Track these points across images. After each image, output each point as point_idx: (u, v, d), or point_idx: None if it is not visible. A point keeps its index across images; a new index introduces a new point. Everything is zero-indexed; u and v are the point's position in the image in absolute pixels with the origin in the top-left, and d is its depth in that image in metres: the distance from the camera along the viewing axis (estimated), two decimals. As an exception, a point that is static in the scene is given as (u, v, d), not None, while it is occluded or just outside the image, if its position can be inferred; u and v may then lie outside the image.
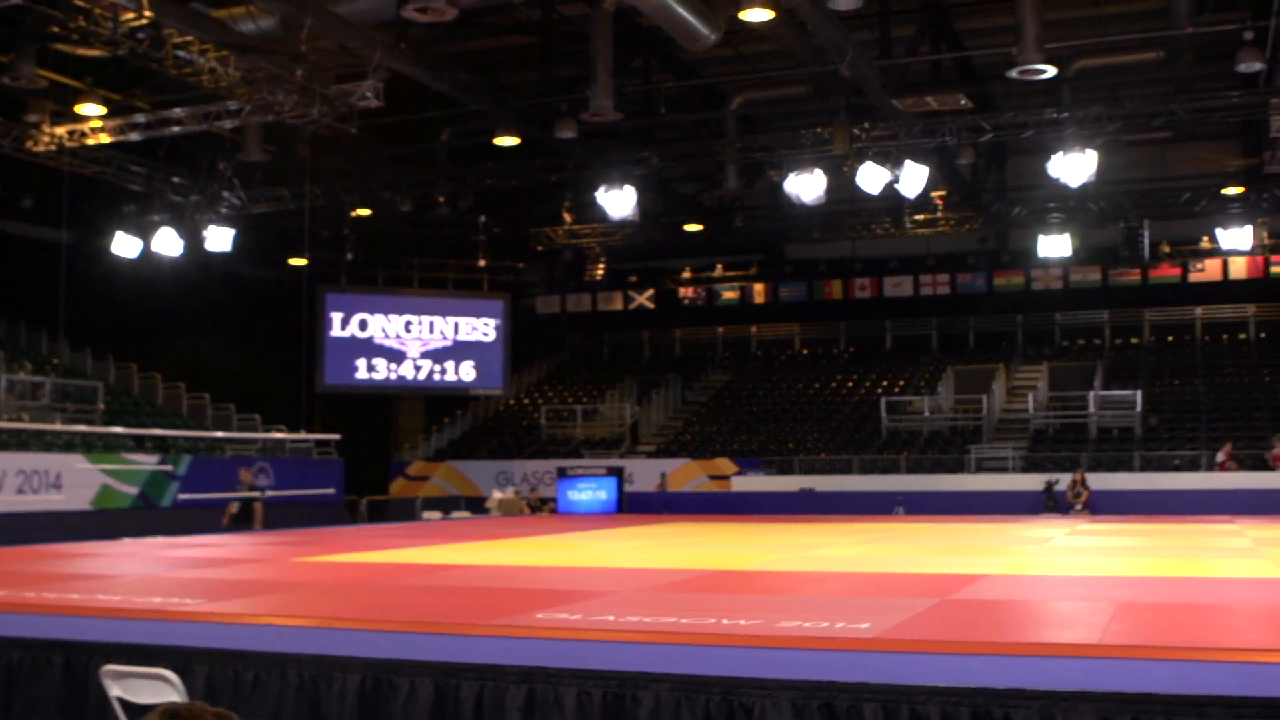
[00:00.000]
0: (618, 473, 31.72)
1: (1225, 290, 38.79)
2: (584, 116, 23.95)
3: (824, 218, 33.89)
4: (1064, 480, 29.68)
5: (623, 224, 31.51)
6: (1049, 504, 29.35)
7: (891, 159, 25.89)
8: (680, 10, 19.30)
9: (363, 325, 36.46)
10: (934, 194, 31.81)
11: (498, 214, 35.45)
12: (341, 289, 36.26)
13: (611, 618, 9.07)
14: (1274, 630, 8.94)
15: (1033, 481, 30.52)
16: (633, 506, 31.52)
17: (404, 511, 32.43)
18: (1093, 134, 25.55)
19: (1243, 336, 39.48)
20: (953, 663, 7.25)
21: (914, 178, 25.91)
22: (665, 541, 19.52)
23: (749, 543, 18.91)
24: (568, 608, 9.69)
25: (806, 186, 26.35)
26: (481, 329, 37.74)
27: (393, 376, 36.90)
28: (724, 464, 34.77)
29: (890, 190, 26.47)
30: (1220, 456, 30.28)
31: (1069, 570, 13.97)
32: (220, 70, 20.94)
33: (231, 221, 29.84)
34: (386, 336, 36.66)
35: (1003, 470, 32.59)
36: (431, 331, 37.18)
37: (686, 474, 34.93)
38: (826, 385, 40.15)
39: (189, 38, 20.05)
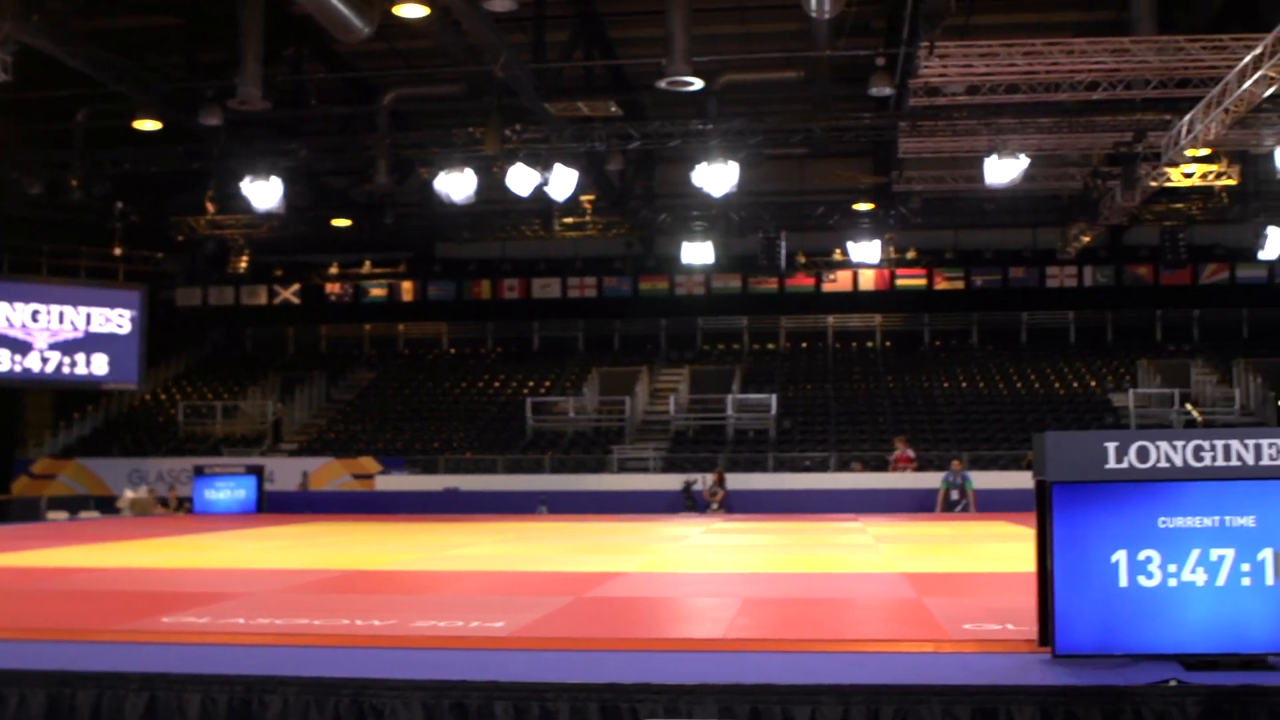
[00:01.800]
0: (257, 471, 30.82)
1: (855, 300, 40.95)
2: (230, 104, 23.17)
3: (474, 217, 33.92)
4: (702, 480, 30.58)
5: (268, 216, 30.62)
6: (687, 503, 30.18)
7: (542, 162, 26.13)
8: (334, 0, 18.93)
9: (-16, 313, 34.28)
10: (583, 198, 32.24)
11: (136, 201, 33.88)
12: (-39, 274, 33.99)
13: (241, 620, 8.84)
14: (885, 621, 9.46)
15: (672, 481, 31.32)
16: (273, 506, 30.71)
17: (27, 512, 30.57)
18: (736, 146, 26.42)
19: (870, 345, 41.67)
20: (583, 659, 7.37)
21: (563, 181, 26.23)
22: (304, 542, 19.14)
23: (390, 542, 18.73)
24: (196, 611, 9.39)
25: (457, 185, 26.29)
26: (116, 320, 35.99)
27: (17, 368, 34.77)
28: (368, 463, 34.33)
29: (540, 193, 26.71)
30: (895, 456, 31.77)
31: (701, 567, 14.39)
32: None
33: None
34: (11, 326, 34.52)
35: (644, 470, 33.34)
36: (61, 322, 35.22)
37: (329, 473, 34.33)
38: (473, 385, 40.19)
39: None
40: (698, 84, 22.13)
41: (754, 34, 27.27)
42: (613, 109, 26.58)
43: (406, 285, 42.25)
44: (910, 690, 6.42)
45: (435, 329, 43.36)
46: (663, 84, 21.87)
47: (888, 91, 24.12)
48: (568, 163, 26.32)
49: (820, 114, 27.09)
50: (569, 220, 34.23)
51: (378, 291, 42.33)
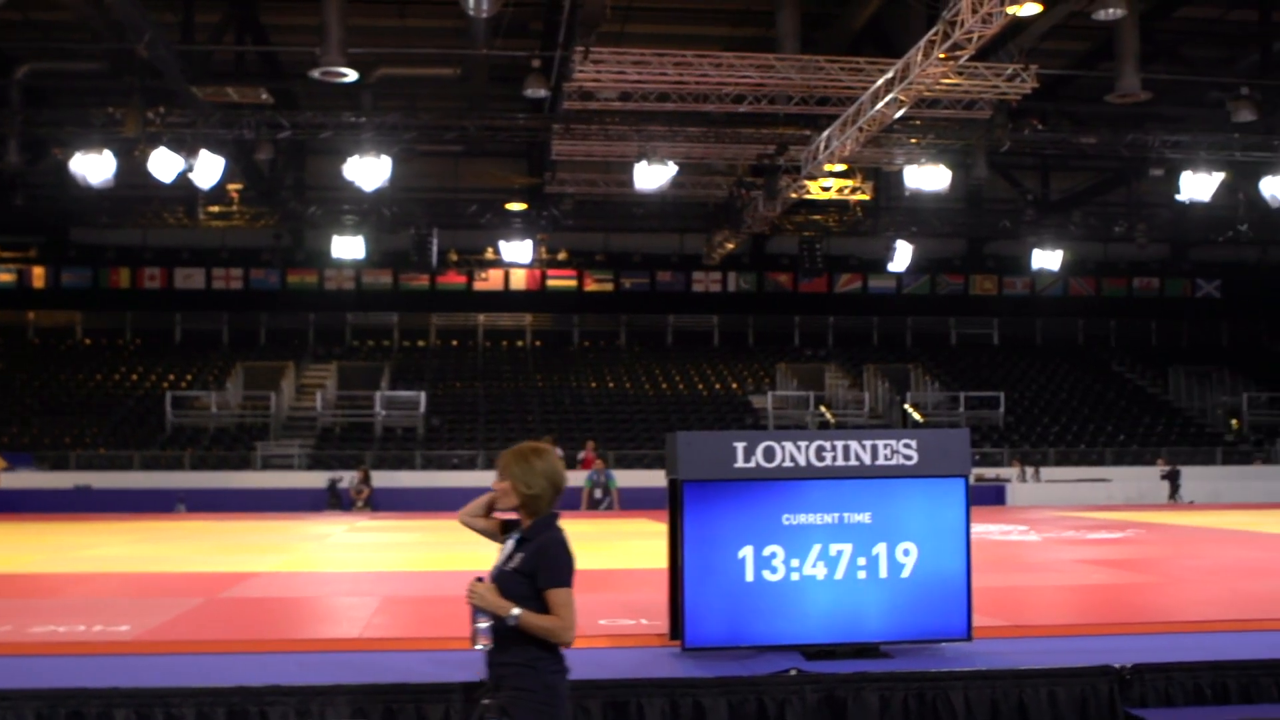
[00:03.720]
0: None
1: (506, 299, 41.27)
2: None
3: (113, 202, 32.37)
4: (348, 478, 30.17)
5: (-119, 192, 28.55)
6: (332, 501, 29.73)
7: (187, 147, 25.19)
8: (-43, -35, 17.81)
9: None
10: (230, 187, 31.34)
11: None
12: None
13: None
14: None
15: (318, 479, 30.79)
16: (-123, 505, 28.60)
17: None
18: (389, 141, 26.17)
19: (520, 344, 41.96)
20: (212, 662, 7.16)
21: (209, 168, 25.36)
22: (-86, 542, 17.91)
23: (10, 544, 17.73)
24: None
25: (94, 168, 25.07)
26: None
27: None
28: (-9, 458, 32.38)
29: (184, 179, 25.75)
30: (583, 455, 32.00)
31: (342, 566, 14.21)
32: None
33: None
34: None
35: (289, 468, 32.64)
36: None
37: (-54, 469, 32.21)
38: (109, 377, 38.40)
39: None
40: (352, 76, 21.87)
41: (411, 29, 27.07)
42: (264, 96, 25.93)
43: (37, 271, 40.13)
44: (543, 686, 6.49)
45: (69, 318, 41.21)
46: (316, 74, 21.52)
47: (542, 94, 24.37)
48: (214, 149, 25.46)
49: (475, 112, 27.12)
50: (215, 209, 33.18)
51: (5, 277, 40.05)
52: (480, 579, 4.93)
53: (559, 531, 5.04)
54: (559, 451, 29.27)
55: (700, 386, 39.17)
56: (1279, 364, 43.38)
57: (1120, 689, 6.92)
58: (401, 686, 6.42)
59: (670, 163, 26.51)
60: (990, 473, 32.72)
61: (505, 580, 4.91)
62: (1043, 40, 23.66)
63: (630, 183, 27.16)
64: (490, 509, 5.30)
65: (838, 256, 40.50)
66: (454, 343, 41.82)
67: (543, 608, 4.84)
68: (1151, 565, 14.04)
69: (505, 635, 4.85)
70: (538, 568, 4.88)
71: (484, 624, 4.86)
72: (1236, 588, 11.34)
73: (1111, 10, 19.22)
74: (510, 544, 5.07)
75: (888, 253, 34.87)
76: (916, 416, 36.51)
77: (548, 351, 41.48)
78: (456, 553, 15.90)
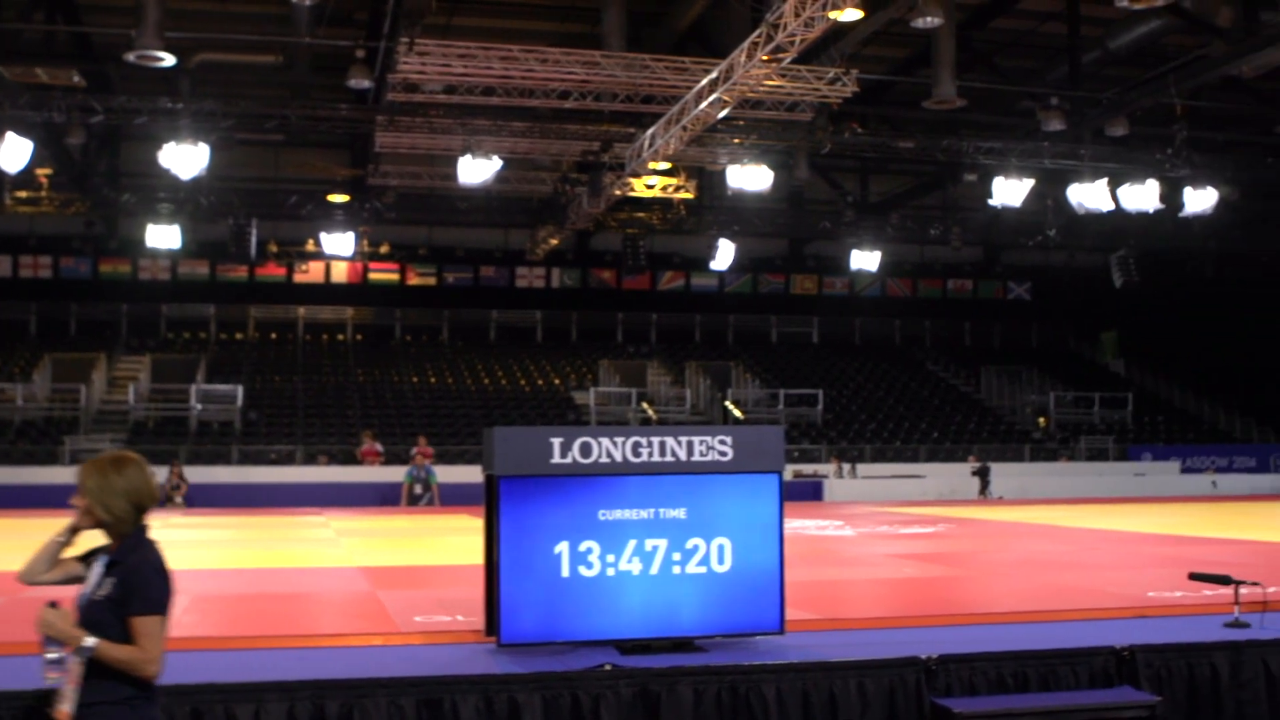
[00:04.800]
0: None
1: (327, 292, 40.68)
2: None
3: (-87, 185, 31.12)
4: (161, 473, 29.40)
5: None
6: (145, 497, 28.94)
7: (-5, 129, 24.31)
8: None
9: None
10: (39, 171, 30.25)
11: None
12: None
13: None
14: (336, 616, 9.43)
15: (130, 474, 29.90)
16: None
17: None
18: (207, 128, 25.57)
19: (341, 337, 41.41)
20: (8, 665, 6.92)
21: (16, 152, 24.47)
22: None
23: None
24: None
25: (-108, 149, 24.07)
26: None
27: None
28: None
29: (-9, 164, 24.85)
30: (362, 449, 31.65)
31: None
32: None
33: None
34: None
35: (99, 462, 31.63)
36: None
37: None
38: (-92, 367, 36.90)
39: None
40: (169, 60, 21.32)
41: (231, 14, 26.56)
42: (75, 79, 25.14)
43: None
44: (356, 684, 6.43)
45: None
46: (132, 57, 20.94)
47: (366, 85, 24.10)
48: (22, 132, 24.55)
49: (297, 102, 26.69)
50: (23, 194, 32.00)
51: None
52: (54, 604, 4.45)
53: (151, 551, 4.63)
54: (378, 447, 29.03)
55: (523, 382, 39.10)
56: (1084, 365, 45.06)
57: (926, 679, 7.09)
58: (210, 686, 6.30)
59: (495, 157, 26.42)
60: (808, 469, 33.28)
61: (93, 610, 4.49)
62: (863, 46, 24.14)
63: (454, 176, 26.98)
64: (64, 548, 4.86)
65: (661, 254, 40.78)
66: (273, 336, 41.07)
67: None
68: (960, 559, 14.44)
69: (89, 669, 4.39)
70: (129, 594, 4.47)
71: (54, 655, 4.38)
72: (1040, 580, 11.72)
73: (929, 19, 19.67)
74: (99, 569, 4.63)
75: (710, 251, 35.23)
76: (737, 413, 36.95)
77: (369, 345, 41.01)
78: (274, 550, 15.66)
